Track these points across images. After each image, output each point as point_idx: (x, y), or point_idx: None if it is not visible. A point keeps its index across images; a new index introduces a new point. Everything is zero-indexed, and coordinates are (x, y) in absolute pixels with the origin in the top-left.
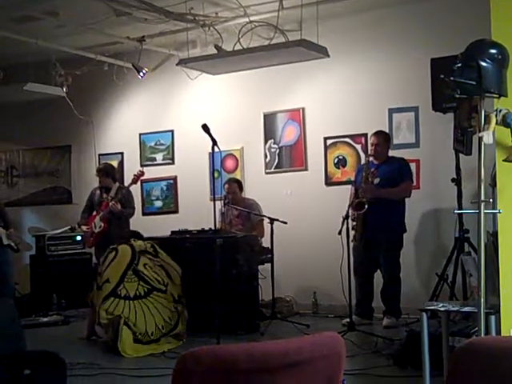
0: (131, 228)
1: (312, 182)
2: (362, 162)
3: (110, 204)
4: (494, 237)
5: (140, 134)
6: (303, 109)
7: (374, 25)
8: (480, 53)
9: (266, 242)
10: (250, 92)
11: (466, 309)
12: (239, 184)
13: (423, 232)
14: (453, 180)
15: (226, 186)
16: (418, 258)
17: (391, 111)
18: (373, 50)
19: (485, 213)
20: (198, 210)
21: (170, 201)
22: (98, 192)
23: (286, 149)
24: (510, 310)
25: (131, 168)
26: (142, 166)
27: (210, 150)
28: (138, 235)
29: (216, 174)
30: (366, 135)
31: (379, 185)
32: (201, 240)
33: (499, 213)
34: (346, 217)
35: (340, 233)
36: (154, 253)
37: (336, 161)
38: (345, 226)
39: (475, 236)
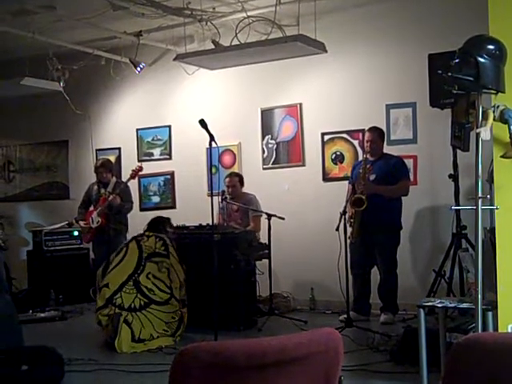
0: (129, 224)
1: (309, 177)
2: (360, 157)
3: (111, 197)
4: (491, 233)
5: (137, 129)
6: (300, 104)
7: (371, 20)
8: (478, 49)
9: (263, 237)
10: (248, 87)
11: (464, 305)
12: (240, 178)
13: (420, 228)
14: (450, 176)
15: (227, 179)
16: (416, 254)
17: (388, 107)
18: (370, 45)
19: (482, 209)
20: (195, 206)
21: (168, 196)
22: (95, 187)
23: (284, 144)
24: (507, 306)
25: (128, 163)
26: (139, 161)
27: (208, 146)
28: (164, 222)
29: (213, 170)
30: (363, 131)
31: (375, 181)
32: (198, 236)
33: (496, 209)
34: (344, 213)
35: (337, 229)
36: (165, 252)
37: (333, 156)
38: (342, 222)
39: (472, 232)
